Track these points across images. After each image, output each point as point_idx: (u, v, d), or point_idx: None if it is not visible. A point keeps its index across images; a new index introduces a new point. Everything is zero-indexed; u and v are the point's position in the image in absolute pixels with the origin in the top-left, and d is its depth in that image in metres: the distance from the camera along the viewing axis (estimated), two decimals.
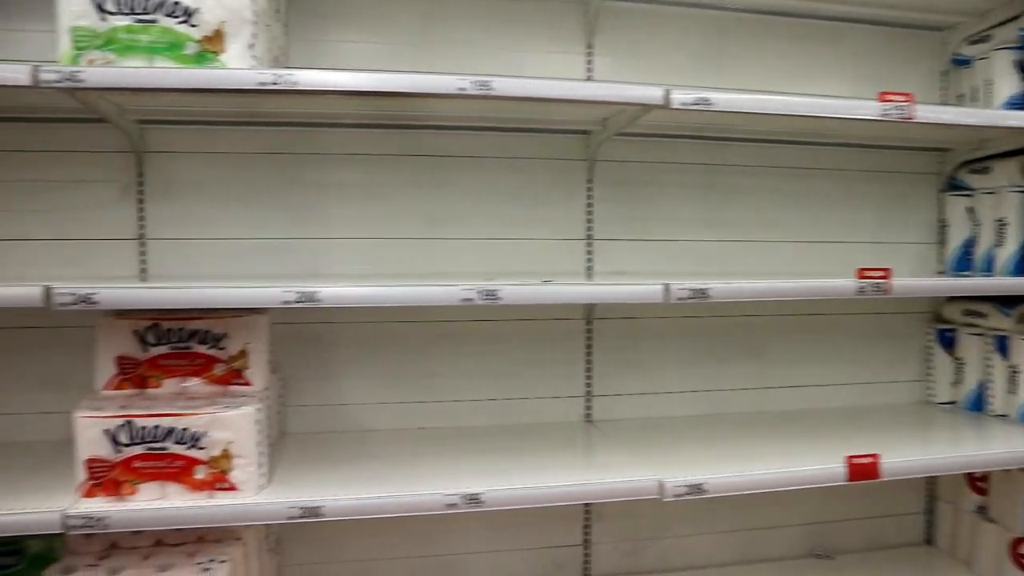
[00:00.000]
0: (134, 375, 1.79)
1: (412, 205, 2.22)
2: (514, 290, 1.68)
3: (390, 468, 1.89)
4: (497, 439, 2.16)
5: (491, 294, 1.65)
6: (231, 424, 1.64)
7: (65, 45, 1.63)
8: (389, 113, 2.16)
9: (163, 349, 1.79)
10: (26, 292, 1.55)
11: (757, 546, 2.53)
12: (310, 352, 2.20)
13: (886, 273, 1.92)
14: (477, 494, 1.71)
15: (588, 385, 2.37)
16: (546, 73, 2.25)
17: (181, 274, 2.11)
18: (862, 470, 1.89)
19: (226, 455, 1.65)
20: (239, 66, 1.66)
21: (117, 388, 1.79)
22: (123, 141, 2.07)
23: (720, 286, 1.82)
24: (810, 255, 2.50)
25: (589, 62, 2.33)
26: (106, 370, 1.78)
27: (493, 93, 1.67)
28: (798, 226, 2.50)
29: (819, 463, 1.89)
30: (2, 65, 1.55)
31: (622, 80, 2.28)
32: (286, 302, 1.60)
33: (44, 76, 1.55)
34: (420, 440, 2.15)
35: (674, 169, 2.39)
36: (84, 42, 1.64)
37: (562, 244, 2.32)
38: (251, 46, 1.69)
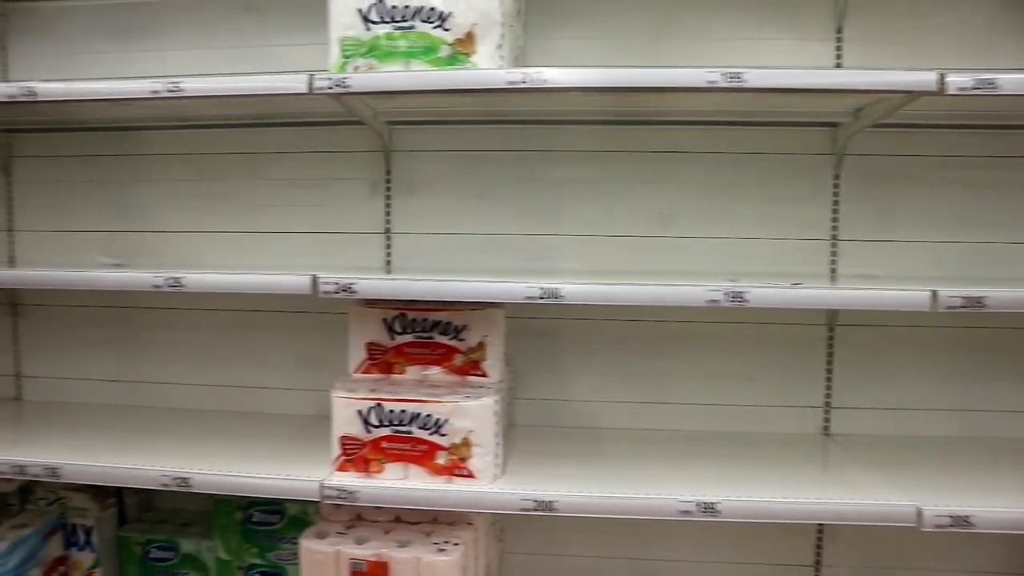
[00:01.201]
0: (381, 361, 1.91)
1: (644, 202, 2.18)
2: (762, 292, 1.59)
3: (619, 468, 1.87)
4: (728, 446, 2.07)
5: (738, 296, 1.57)
6: (472, 413, 1.70)
7: (334, 54, 1.77)
8: (622, 109, 2.14)
9: (408, 338, 1.89)
10: (297, 280, 1.71)
11: None
12: (538, 346, 2.23)
13: None
14: (713, 503, 1.64)
15: (827, 396, 2.20)
16: (791, 62, 2.11)
17: (421, 267, 2.23)
18: None
19: (466, 443, 1.71)
20: (489, 66, 1.70)
21: (366, 372, 1.92)
22: (374, 141, 2.22)
23: (1001, 294, 1.60)
24: None
25: (838, 49, 2.15)
26: (357, 354, 1.92)
27: (745, 85, 1.58)
28: None
29: None
30: (284, 76, 1.71)
31: (885, 66, 2.08)
32: (529, 297, 1.62)
33: (317, 83, 1.69)
34: (648, 441, 2.11)
35: (936, 163, 2.15)
36: (351, 51, 1.76)
37: (803, 244, 2.17)
38: (499, 46, 1.73)
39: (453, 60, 1.73)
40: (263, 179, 2.33)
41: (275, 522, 2.13)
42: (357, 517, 1.94)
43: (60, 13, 2.47)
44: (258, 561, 2.16)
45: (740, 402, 2.20)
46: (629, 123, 2.18)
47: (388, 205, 2.25)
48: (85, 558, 2.31)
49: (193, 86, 1.76)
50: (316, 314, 2.28)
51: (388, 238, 2.25)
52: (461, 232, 2.23)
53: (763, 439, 2.14)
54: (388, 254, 2.25)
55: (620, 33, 2.18)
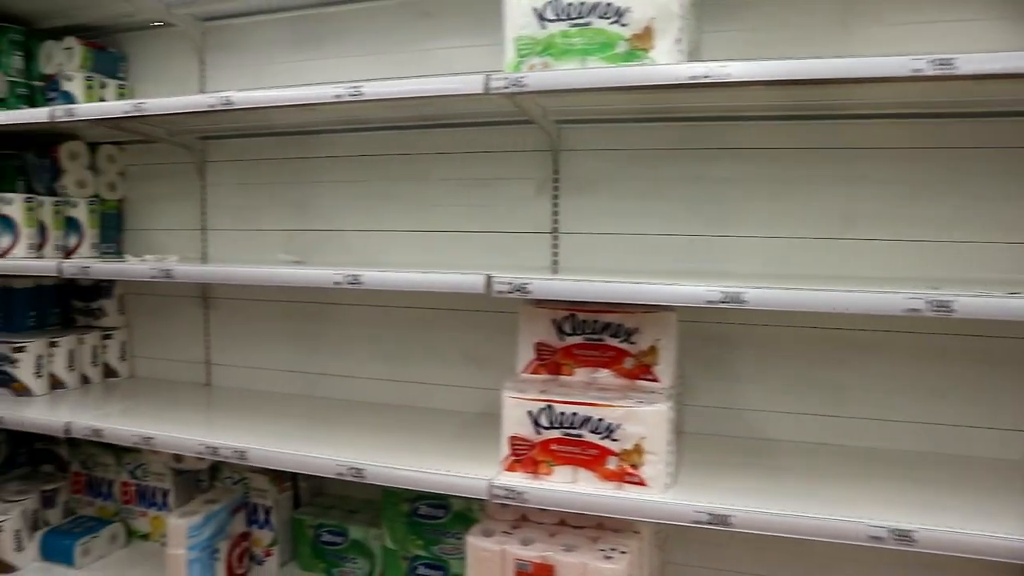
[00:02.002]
0: (550, 362, 1.90)
1: (824, 202, 2.04)
2: (972, 301, 1.43)
3: (796, 484, 1.76)
4: (916, 468, 1.90)
5: (944, 305, 1.43)
6: (645, 419, 1.65)
7: (510, 54, 1.77)
8: (801, 103, 2.01)
9: (577, 339, 1.87)
10: (471, 280, 1.72)
11: None
12: (707, 351, 2.15)
13: None
14: (908, 531, 1.50)
15: None
16: (984, 46, 1.90)
17: (587, 267, 2.20)
18: None
19: (638, 449, 1.67)
20: (667, 61, 1.65)
21: (534, 372, 1.91)
22: (542, 140, 2.21)
23: None
24: None
25: None
26: (526, 354, 1.92)
27: (956, 72, 1.43)
28: None
29: None
30: (461, 77, 1.73)
31: None
32: (710, 301, 1.55)
33: (494, 83, 1.70)
34: (824, 457, 1.98)
35: None
36: (526, 50, 1.76)
37: (1009, 248, 1.95)
38: (678, 40, 1.67)
39: (630, 56, 1.69)
40: (432, 179, 2.39)
41: (440, 516, 2.17)
42: (522, 517, 1.94)
43: (251, 27, 2.64)
44: (422, 553, 2.21)
45: (929, 420, 2.01)
46: (807, 118, 2.05)
47: (555, 204, 2.24)
48: (264, 536, 2.46)
49: (373, 90, 1.82)
50: (482, 312, 2.31)
51: (555, 238, 2.24)
52: (629, 232, 2.18)
53: (956, 462, 1.94)
54: (555, 254, 2.24)
55: (796, 22, 2.05)
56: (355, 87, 1.82)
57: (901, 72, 1.46)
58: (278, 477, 2.44)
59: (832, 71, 1.49)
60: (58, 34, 2.77)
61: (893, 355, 2.02)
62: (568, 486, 1.72)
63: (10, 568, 2.48)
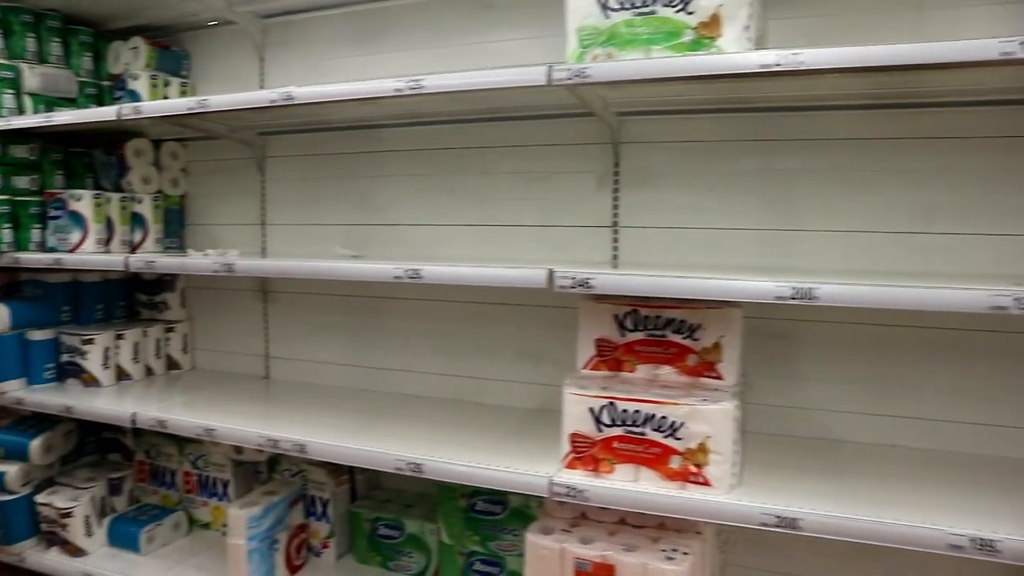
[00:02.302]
0: (611, 358, 1.86)
1: (901, 194, 1.95)
2: None
3: (867, 488, 1.70)
4: (997, 474, 1.81)
5: None
6: (711, 418, 1.61)
7: (572, 45, 1.74)
8: (876, 91, 1.93)
9: (639, 335, 1.83)
10: (533, 274, 1.70)
11: None
12: (771, 348, 2.09)
13: None
14: (992, 541, 1.43)
15: None
16: None
17: (648, 262, 2.15)
18: None
19: (702, 449, 1.62)
20: (736, 50, 1.60)
21: (594, 368, 1.88)
22: (603, 133, 2.18)
23: None
24: None
25: None
26: (586, 350, 1.88)
27: None
28: None
29: None
30: (523, 68, 1.70)
31: None
32: (779, 297, 1.50)
33: (556, 75, 1.67)
34: (895, 459, 1.90)
35: None
36: (588, 40, 1.73)
37: None
38: (746, 28, 1.62)
39: (697, 45, 1.64)
40: (491, 173, 2.38)
41: (497, 512, 2.16)
42: (581, 515, 1.91)
43: (309, 23, 2.66)
44: (479, 549, 2.20)
45: (1011, 424, 1.91)
46: (883, 106, 1.97)
47: (616, 198, 2.20)
48: (322, 528, 2.48)
49: (433, 83, 1.81)
50: (539, 307, 2.29)
51: (615, 232, 2.20)
52: (691, 227, 2.13)
53: None
54: (615, 248, 2.20)
55: (867, 6, 1.96)
56: (416, 80, 1.81)
57: (990, 55, 1.38)
58: (336, 470, 2.46)
59: (915, 56, 1.42)
60: (125, 35, 2.83)
61: (971, 355, 1.93)
62: (630, 485, 1.69)
63: (80, 552, 2.56)
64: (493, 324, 2.40)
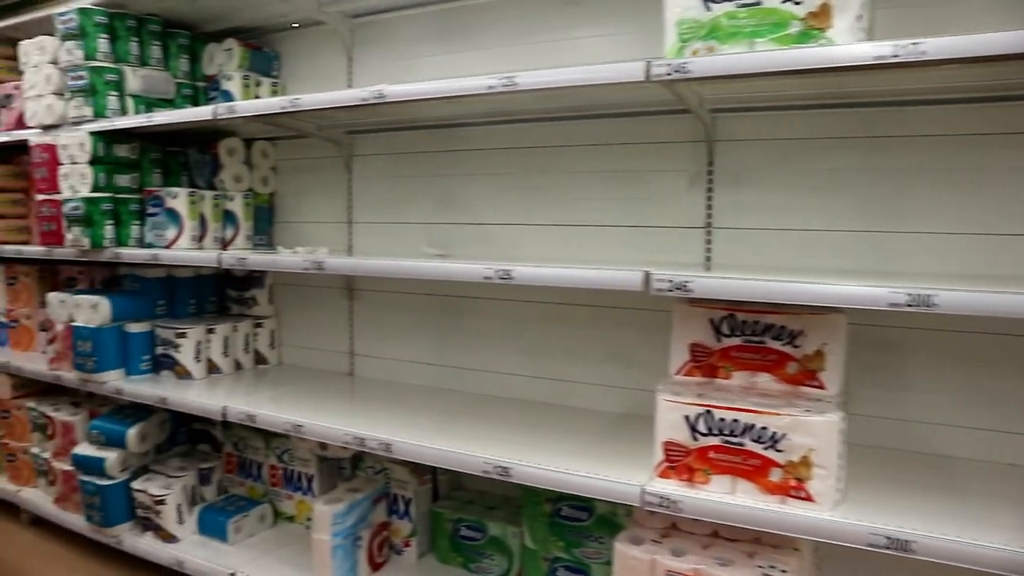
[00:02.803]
0: (705, 364, 1.80)
1: (1018, 194, 1.82)
2: None
3: (984, 509, 1.58)
4: None
5: None
6: (815, 430, 1.53)
7: (671, 39, 1.68)
8: (998, 83, 1.79)
9: (736, 341, 1.76)
10: (628, 276, 1.65)
11: None
12: (873, 357, 1.97)
13: None
14: None
15: None
16: None
17: (743, 264, 2.07)
18: None
19: (805, 462, 1.54)
20: (847, 41, 1.51)
21: (687, 374, 1.82)
22: (696, 130, 2.10)
23: None
24: None
25: None
26: (680, 355, 1.82)
27: None
28: None
29: None
30: (620, 65, 1.65)
31: None
32: (893, 304, 1.41)
33: (655, 70, 1.61)
34: (1012, 478, 1.77)
35: None
36: (689, 34, 1.66)
37: None
38: (859, 17, 1.53)
39: (804, 36, 1.56)
40: (579, 171, 2.33)
41: (583, 519, 2.11)
42: (672, 526, 1.85)
43: (396, 22, 2.67)
44: (563, 555, 2.16)
45: None
46: (1002, 99, 1.83)
47: (709, 198, 2.12)
48: (404, 527, 2.49)
49: (527, 80, 1.78)
50: (626, 309, 2.23)
51: (708, 233, 2.12)
52: (788, 228, 2.03)
53: None
54: (708, 250, 2.12)
55: None
56: (509, 78, 1.79)
57: None
58: (418, 469, 2.46)
59: None
60: (219, 37, 2.91)
61: None
62: (727, 497, 1.62)
63: (172, 538, 2.64)
64: (579, 325, 2.35)
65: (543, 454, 1.88)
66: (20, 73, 3.02)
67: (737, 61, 1.55)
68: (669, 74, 1.59)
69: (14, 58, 3.11)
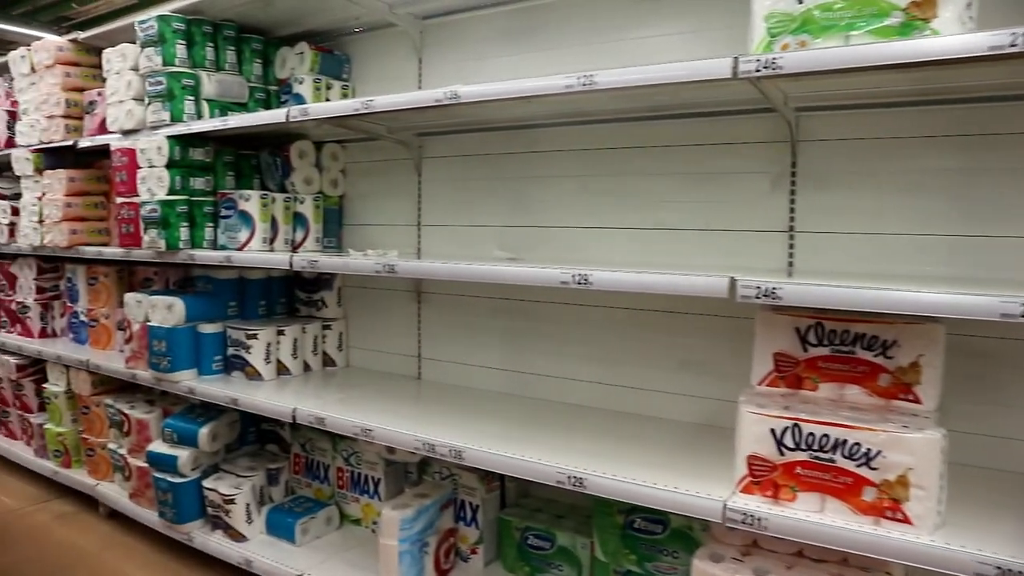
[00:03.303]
0: (790, 374, 1.71)
1: None
2: None
3: None
4: None
5: None
6: (913, 448, 1.43)
7: (759, 34, 1.61)
8: None
9: (823, 351, 1.67)
10: (713, 282, 1.58)
11: None
12: (971, 370, 1.85)
13: None
14: None
15: None
16: None
17: (828, 270, 1.97)
18: None
19: (902, 482, 1.45)
20: (955, 31, 1.41)
21: (771, 385, 1.73)
22: (779, 130, 2.01)
23: None
24: None
25: None
26: (763, 365, 1.74)
27: None
28: None
29: None
30: (706, 62, 1.59)
31: None
32: (1006, 315, 1.31)
33: (743, 67, 1.54)
34: None
35: None
36: (778, 28, 1.59)
37: None
38: (968, 5, 1.43)
39: (906, 28, 1.46)
40: (656, 173, 2.26)
41: (657, 532, 2.04)
42: (753, 543, 1.77)
43: (466, 23, 2.65)
44: (635, 569, 2.09)
45: None
46: None
47: (792, 200, 2.03)
48: (471, 534, 2.46)
49: (606, 79, 1.72)
50: (703, 316, 2.15)
51: (791, 237, 2.03)
52: (876, 232, 1.93)
53: None
54: (791, 254, 2.03)
55: None
56: (588, 76, 1.74)
57: None
58: (487, 476, 2.42)
59: None
60: (291, 41, 2.93)
61: None
62: (815, 516, 1.53)
63: (241, 537, 2.66)
64: (655, 332, 2.27)
65: (617, 464, 1.82)
66: (104, 80, 3.11)
67: (834, 55, 1.47)
68: (758, 70, 1.52)
69: (99, 66, 3.21)
